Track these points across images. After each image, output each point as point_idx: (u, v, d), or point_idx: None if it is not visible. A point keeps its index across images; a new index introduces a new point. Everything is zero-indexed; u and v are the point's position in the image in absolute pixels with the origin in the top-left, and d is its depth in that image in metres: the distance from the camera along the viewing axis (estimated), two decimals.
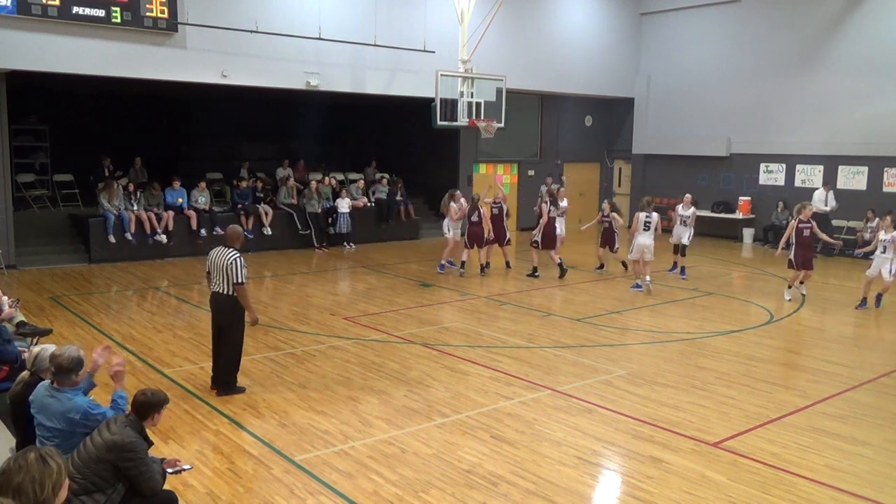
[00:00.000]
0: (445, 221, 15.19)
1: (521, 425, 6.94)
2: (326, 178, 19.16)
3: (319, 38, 16.08)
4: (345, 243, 18.15)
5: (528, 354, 9.34)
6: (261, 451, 6.28)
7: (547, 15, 20.91)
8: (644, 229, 13.26)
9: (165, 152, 20.36)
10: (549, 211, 14.64)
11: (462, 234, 15.30)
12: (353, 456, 6.21)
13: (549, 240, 14.76)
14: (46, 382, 4.77)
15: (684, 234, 14.88)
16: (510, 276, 15.03)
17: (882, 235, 12.30)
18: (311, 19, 16.05)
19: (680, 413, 7.33)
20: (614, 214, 15.13)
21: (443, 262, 15.11)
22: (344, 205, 18.22)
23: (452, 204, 15.03)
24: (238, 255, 7.55)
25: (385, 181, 20.26)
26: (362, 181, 20.01)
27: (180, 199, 16.53)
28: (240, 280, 7.46)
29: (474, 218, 14.66)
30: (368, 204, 19.42)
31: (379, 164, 21.35)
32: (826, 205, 18.26)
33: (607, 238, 15.23)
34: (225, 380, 7.70)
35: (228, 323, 7.64)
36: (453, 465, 6.05)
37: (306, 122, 22.27)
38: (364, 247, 18.30)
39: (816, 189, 18.92)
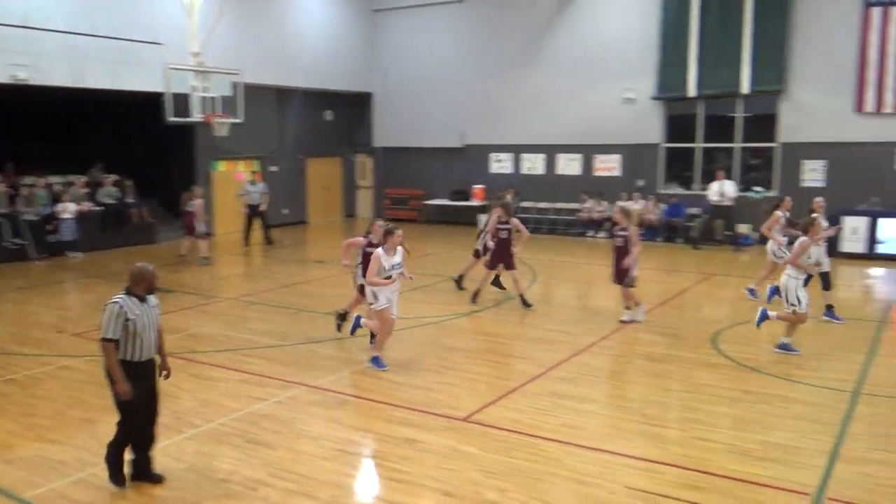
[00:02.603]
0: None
1: (277, 425, 6.80)
2: (42, 181, 17.23)
3: (25, 27, 14.36)
4: (67, 252, 16.45)
5: (281, 353, 9.17)
6: None
7: (282, 8, 20.62)
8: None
9: None
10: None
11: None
12: (94, 484, 5.67)
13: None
14: None
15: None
16: (257, 276, 14.64)
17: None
18: (14, 3, 14.30)
19: (432, 393, 7.63)
20: (515, 222, 11.66)
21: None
22: (67, 209, 16.52)
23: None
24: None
25: (112, 182, 18.70)
26: (85, 183, 18.26)
27: None
28: None
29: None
30: (94, 208, 17.79)
31: (108, 164, 19.60)
32: (721, 196, 17.85)
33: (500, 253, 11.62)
34: None
35: None
36: (208, 477, 5.76)
37: (19, 121, 19.76)
38: (93, 255, 16.74)
39: (540, 174, 20.80)
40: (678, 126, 19.74)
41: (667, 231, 19.08)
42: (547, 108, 20.87)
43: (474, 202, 22.14)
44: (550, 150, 21.20)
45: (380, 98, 24.00)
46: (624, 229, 10.45)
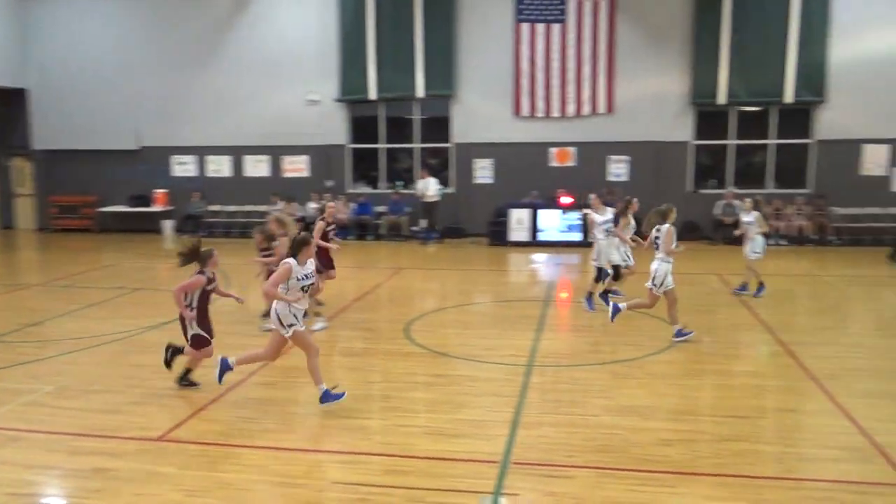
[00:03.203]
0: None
1: None
2: None
3: None
4: None
5: None
6: None
7: None
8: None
9: None
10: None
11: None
12: None
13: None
14: None
15: None
16: None
17: (744, 217, 12.43)
18: None
19: (120, 416, 7.01)
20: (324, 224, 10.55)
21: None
22: None
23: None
24: None
25: None
26: None
27: None
28: None
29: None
30: None
31: None
32: (430, 191, 18.78)
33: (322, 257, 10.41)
34: None
35: None
36: None
37: None
38: None
39: (227, 176, 20.20)
40: (362, 127, 20.47)
41: (358, 229, 19.68)
42: (231, 109, 20.29)
43: (156, 208, 20.80)
44: (237, 152, 20.66)
45: (38, 95, 21.40)
46: (266, 249, 9.67)
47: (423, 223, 19.16)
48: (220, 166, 20.88)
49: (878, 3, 17.50)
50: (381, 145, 20.50)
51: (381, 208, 19.78)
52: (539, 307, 11.65)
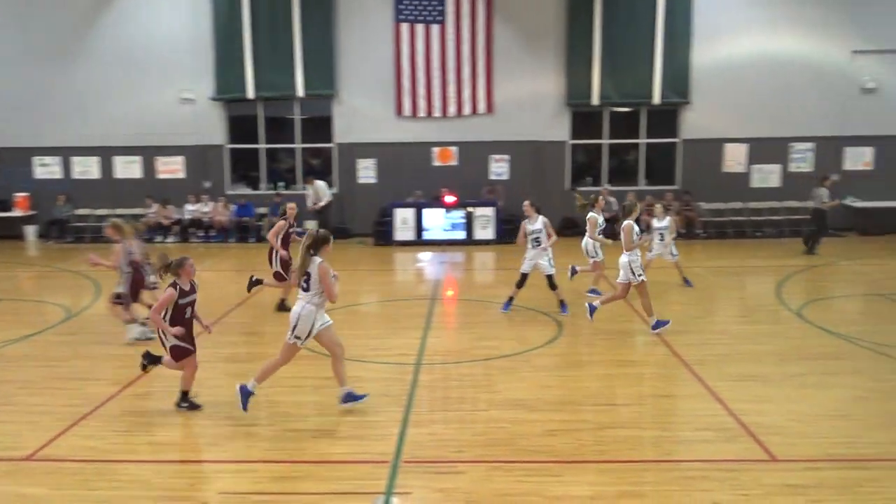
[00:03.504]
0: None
1: None
2: None
3: None
4: None
5: None
6: None
7: None
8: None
9: None
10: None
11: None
12: None
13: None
14: None
15: None
16: None
17: (657, 223, 12.49)
18: None
19: None
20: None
21: None
22: None
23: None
24: None
25: None
26: None
27: None
28: None
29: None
30: None
31: None
32: (323, 196, 18.47)
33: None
34: None
35: None
36: None
37: None
38: None
39: (96, 178, 19.19)
40: (241, 127, 19.92)
41: (239, 232, 19.14)
42: (99, 107, 19.21)
43: (17, 213, 19.46)
44: (106, 153, 19.59)
45: None
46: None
47: (311, 224, 18.93)
48: (87, 168, 19.75)
49: (733, 11, 18.68)
50: (261, 145, 20.02)
51: (262, 210, 19.33)
52: (426, 305, 11.72)
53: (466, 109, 19.20)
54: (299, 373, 8.29)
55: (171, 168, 19.70)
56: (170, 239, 18.93)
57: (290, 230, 10.77)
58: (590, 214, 11.42)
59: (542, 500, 5.36)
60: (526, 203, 10.82)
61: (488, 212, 18.24)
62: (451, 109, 19.20)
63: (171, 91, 19.14)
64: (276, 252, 10.84)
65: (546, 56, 19.02)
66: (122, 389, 7.76)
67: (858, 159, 19.07)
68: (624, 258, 9.80)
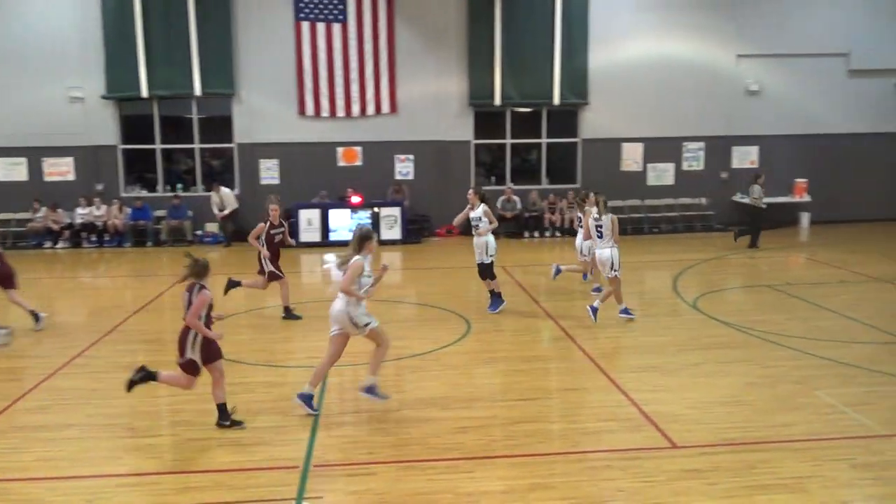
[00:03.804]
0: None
1: None
2: None
3: None
4: None
5: None
6: None
7: None
8: None
9: None
10: None
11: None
12: None
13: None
14: None
15: None
16: None
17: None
18: None
19: None
20: None
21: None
22: None
23: None
24: None
25: None
26: None
27: None
28: None
29: None
30: None
31: None
32: (230, 202, 18.26)
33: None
34: None
35: None
36: None
37: None
38: None
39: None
40: (136, 127, 19.12)
41: (135, 235, 18.38)
42: None
43: None
44: None
45: None
46: None
47: (213, 226, 18.48)
48: None
49: (626, 16, 19.30)
50: (158, 146, 19.28)
51: (160, 212, 18.64)
52: None
53: (370, 109, 19.10)
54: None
55: (60, 170, 18.71)
56: (60, 244, 17.99)
57: (273, 231, 10.52)
58: (593, 216, 10.61)
59: (455, 497, 5.40)
60: (470, 191, 11.16)
61: (394, 212, 18.21)
62: (355, 109, 19.06)
63: (58, 89, 18.18)
64: (261, 253, 10.63)
65: (448, 57, 19.15)
66: (12, 404, 7.32)
67: (745, 158, 20.12)
68: (606, 252, 10.13)
